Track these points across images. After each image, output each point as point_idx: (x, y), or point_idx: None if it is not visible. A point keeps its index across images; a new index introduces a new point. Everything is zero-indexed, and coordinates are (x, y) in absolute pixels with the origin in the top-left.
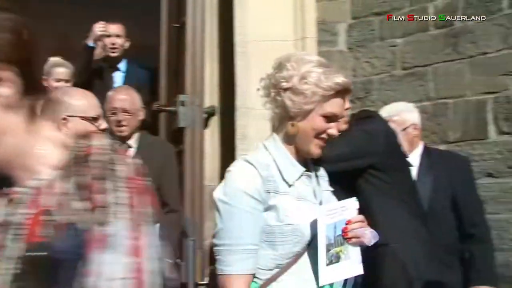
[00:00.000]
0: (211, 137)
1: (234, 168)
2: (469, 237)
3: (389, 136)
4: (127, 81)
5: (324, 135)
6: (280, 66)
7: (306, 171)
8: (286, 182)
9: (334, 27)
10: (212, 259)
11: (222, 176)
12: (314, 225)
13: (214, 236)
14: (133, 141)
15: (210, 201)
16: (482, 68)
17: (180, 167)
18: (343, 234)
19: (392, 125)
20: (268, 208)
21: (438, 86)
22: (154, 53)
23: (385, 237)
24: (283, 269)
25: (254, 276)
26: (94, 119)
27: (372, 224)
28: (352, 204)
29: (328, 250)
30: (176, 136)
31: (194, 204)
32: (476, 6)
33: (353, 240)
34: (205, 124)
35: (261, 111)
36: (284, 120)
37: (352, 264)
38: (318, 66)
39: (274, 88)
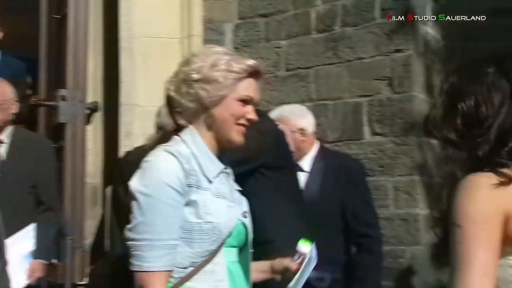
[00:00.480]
0: (94, 133)
1: (155, 159)
2: (357, 246)
3: (279, 135)
4: (0, 73)
5: (243, 121)
6: (187, 61)
7: (224, 168)
8: (207, 178)
9: (220, 27)
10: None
11: (105, 173)
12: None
13: (130, 230)
14: (5, 136)
15: (92, 199)
16: (358, 72)
17: (60, 163)
18: None
19: (280, 126)
20: (188, 203)
21: (319, 88)
22: (34, 44)
23: (273, 234)
24: (197, 267)
25: None
26: None
27: (260, 222)
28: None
29: None
30: (56, 131)
31: (74, 202)
32: (353, 14)
33: None
34: (88, 120)
35: (145, 108)
36: (199, 113)
37: None
38: (226, 54)
39: (185, 83)
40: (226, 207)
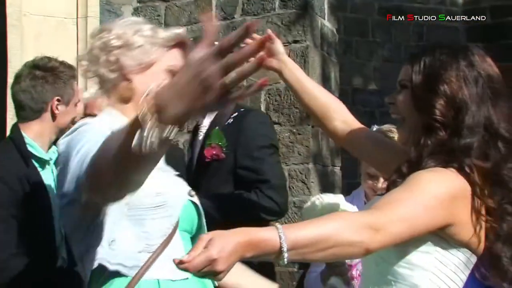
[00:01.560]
0: None
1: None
2: None
3: None
4: None
5: None
6: (103, 30)
7: None
8: None
9: (119, 9)
10: None
11: None
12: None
13: None
14: None
15: None
16: None
17: None
18: None
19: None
20: None
21: None
22: None
23: None
24: (154, 254)
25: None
26: None
27: None
28: None
29: None
30: None
31: None
32: (253, 3)
33: None
34: None
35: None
36: (118, 84)
37: None
38: (147, 23)
39: (104, 51)
40: (172, 180)
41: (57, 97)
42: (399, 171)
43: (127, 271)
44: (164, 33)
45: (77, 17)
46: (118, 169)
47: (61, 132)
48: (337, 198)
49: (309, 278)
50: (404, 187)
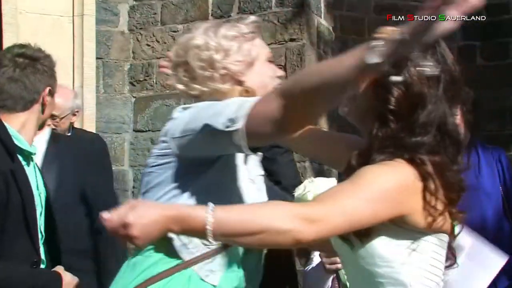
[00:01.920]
0: None
1: None
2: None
3: None
4: None
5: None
6: (188, 49)
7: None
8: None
9: (115, 7)
10: None
11: None
12: None
13: None
14: None
15: None
16: None
17: None
18: None
19: None
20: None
21: None
22: None
23: None
24: (210, 251)
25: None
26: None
27: None
28: None
29: None
30: None
31: None
32: (250, 1)
33: None
34: None
35: None
36: (234, 89)
37: None
38: (221, 24)
39: (210, 68)
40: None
41: (48, 87)
42: (349, 164)
43: (184, 255)
44: (245, 27)
45: (73, 15)
46: (318, 96)
47: (41, 125)
48: (330, 182)
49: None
50: (350, 180)
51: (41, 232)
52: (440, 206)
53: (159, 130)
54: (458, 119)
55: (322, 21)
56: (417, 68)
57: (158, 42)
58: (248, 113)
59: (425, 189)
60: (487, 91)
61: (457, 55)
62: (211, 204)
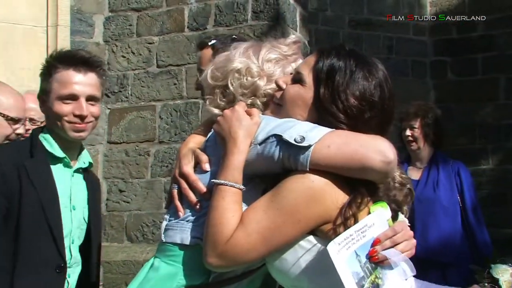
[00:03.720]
0: None
1: None
2: None
3: None
4: None
5: None
6: (229, 72)
7: None
8: None
9: (90, 18)
10: None
11: None
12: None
13: None
14: None
15: None
16: None
17: None
18: (372, 259)
19: None
20: None
21: (190, 86)
22: None
23: None
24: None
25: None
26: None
27: None
28: (379, 217)
29: (361, 286)
30: None
31: None
32: (226, 14)
33: (386, 262)
34: None
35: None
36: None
37: (397, 282)
38: (260, 45)
39: (253, 95)
40: None
41: None
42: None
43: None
44: (286, 48)
45: (47, 25)
46: None
47: None
48: None
49: None
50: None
51: (71, 237)
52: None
53: (134, 142)
54: (417, 132)
55: (298, 35)
56: None
57: (134, 53)
58: (323, 137)
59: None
60: (458, 105)
61: (429, 70)
62: None
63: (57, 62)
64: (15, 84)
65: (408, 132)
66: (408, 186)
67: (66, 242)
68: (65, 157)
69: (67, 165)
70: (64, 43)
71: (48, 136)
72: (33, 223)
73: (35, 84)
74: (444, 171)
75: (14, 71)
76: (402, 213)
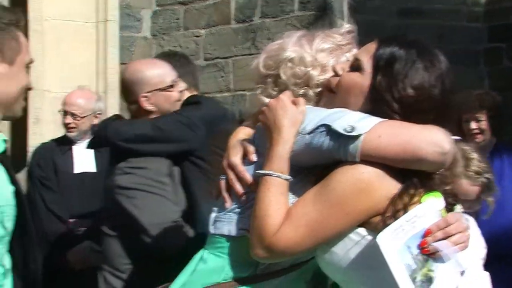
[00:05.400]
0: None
1: None
2: None
3: (212, 123)
4: None
5: None
6: (279, 62)
7: None
8: None
9: (138, 13)
10: None
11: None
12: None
13: None
14: None
15: None
16: None
17: None
18: (423, 250)
19: None
20: None
21: (237, 78)
22: None
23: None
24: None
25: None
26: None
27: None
28: (431, 207)
29: (414, 279)
30: None
31: None
32: (272, 5)
33: (438, 255)
34: None
35: (56, 94)
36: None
37: (452, 275)
38: (314, 34)
39: (306, 85)
40: None
41: None
42: None
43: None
44: (341, 37)
45: (97, 21)
46: None
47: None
48: None
49: None
50: None
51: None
52: None
53: None
54: (484, 124)
55: (347, 25)
56: None
57: (181, 47)
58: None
59: None
60: None
61: (483, 58)
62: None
63: None
64: (66, 80)
65: (473, 125)
66: (487, 175)
67: None
68: None
69: None
70: (114, 38)
71: None
72: None
73: (87, 80)
74: (508, 161)
75: (66, 68)
76: (458, 206)
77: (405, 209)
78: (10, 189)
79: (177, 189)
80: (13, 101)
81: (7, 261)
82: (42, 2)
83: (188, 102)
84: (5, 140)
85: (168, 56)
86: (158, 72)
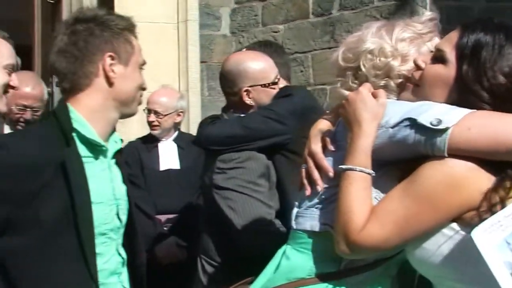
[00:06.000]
0: None
1: None
2: None
3: (303, 115)
4: None
5: None
6: (359, 54)
7: None
8: None
9: (217, 11)
10: None
11: None
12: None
13: None
14: None
15: None
16: None
17: None
18: None
19: None
20: None
21: (317, 72)
22: (27, 31)
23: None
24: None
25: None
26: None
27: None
28: None
29: None
30: None
31: None
32: None
33: None
34: None
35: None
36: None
37: None
38: (393, 24)
39: (387, 76)
40: None
41: (109, 53)
42: None
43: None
44: (421, 25)
45: (178, 22)
46: None
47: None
48: None
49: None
50: None
51: (119, 254)
52: None
53: None
54: None
55: (428, 13)
56: None
57: None
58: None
59: None
60: None
61: None
62: None
63: None
64: (150, 80)
65: None
66: None
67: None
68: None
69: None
70: (194, 37)
71: (78, 116)
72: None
73: (169, 79)
74: None
75: (148, 68)
76: None
77: (502, 203)
78: (123, 186)
79: (272, 189)
80: (130, 100)
81: (123, 252)
82: (127, 6)
83: (280, 95)
84: (121, 140)
85: (264, 46)
86: (263, 67)
